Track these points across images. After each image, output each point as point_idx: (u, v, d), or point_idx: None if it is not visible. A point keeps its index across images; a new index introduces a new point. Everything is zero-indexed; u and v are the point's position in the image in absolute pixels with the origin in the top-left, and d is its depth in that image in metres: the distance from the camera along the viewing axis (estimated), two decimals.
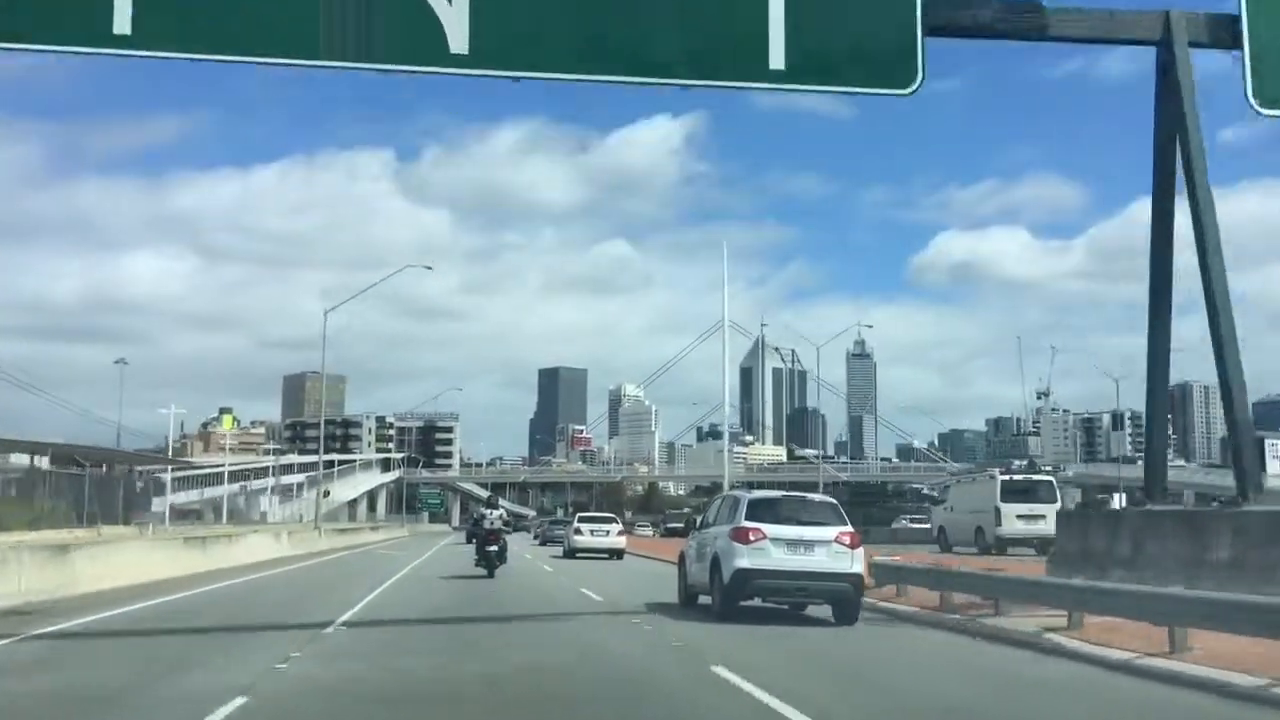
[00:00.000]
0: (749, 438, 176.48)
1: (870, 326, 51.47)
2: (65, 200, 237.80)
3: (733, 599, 12.24)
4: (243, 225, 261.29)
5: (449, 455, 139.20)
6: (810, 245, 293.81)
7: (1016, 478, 29.40)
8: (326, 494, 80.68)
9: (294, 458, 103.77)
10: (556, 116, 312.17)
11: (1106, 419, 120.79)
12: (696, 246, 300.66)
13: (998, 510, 27.33)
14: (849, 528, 12.56)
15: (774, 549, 12.00)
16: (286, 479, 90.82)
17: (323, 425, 48.17)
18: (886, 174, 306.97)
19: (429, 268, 37.95)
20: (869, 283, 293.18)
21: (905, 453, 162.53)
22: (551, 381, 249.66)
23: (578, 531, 31.27)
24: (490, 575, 18.86)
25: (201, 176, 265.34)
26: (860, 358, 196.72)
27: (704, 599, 13.46)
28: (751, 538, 12.04)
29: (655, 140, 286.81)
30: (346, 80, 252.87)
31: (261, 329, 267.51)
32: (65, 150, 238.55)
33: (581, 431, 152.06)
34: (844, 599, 12.17)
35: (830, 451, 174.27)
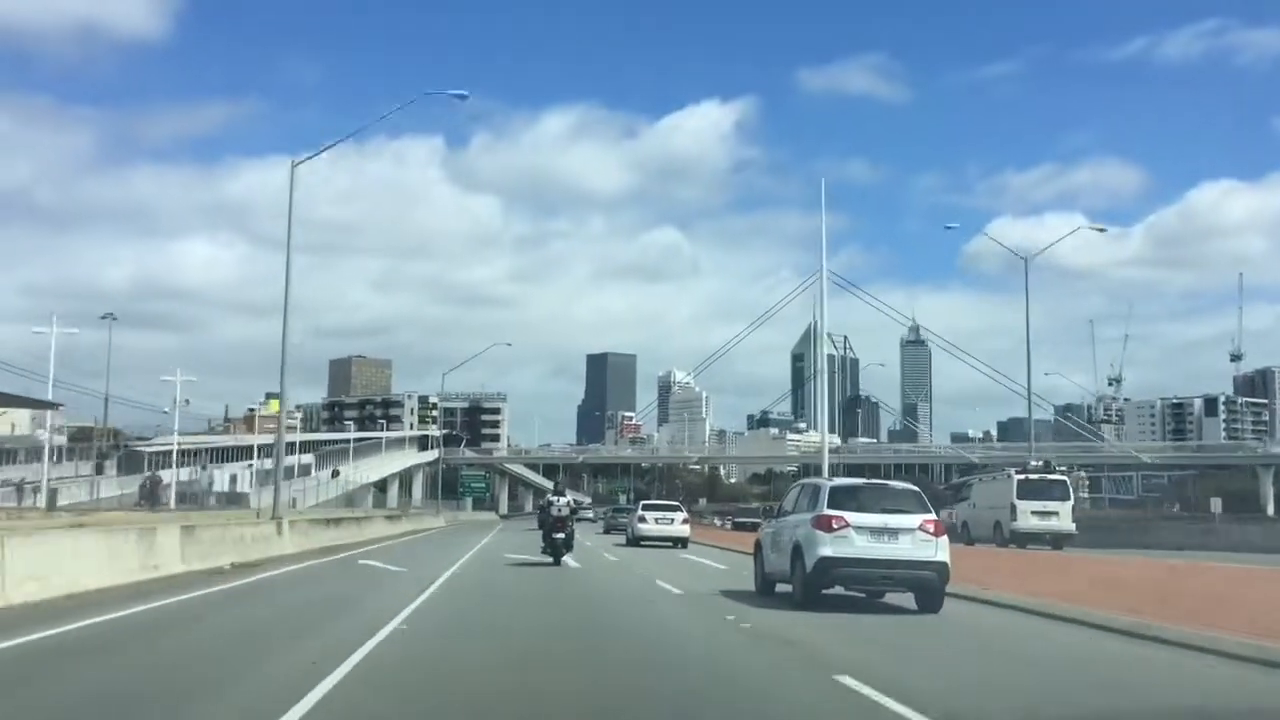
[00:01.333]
0: (802, 425, 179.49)
1: (1103, 229, 49.06)
2: (117, 187, 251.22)
3: (815, 587, 12.74)
4: (293, 213, 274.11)
5: (496, 439, 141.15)
6: (862, 232, 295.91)
7: (1032, 477, 32.17)
8: (335, 474, 73.44)
9: (296, 434, 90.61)
10: (605, 102, 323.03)
11: (1198, 404, 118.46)
12: (746, 234, 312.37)
13: (1013, 507, 30.18)
14: (933, 515, 13.04)
15: (858, 537, 12.49)
16: (295, 459, 78.54)
17: (284, 357, 25.40)
18: (940, 159, 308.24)
19: (464, 96, 30.92)
20: (921, 270, 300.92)
21: (959, 440, 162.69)
22: (600, 368, 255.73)
23: (641, 519, 32.99)
24: (556, 563, 19.87)
25: (252, 164, 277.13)
26: (914, 344, 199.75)
27: (782, 587, 14.05)
28: (835, 525, 12.53)
29: (705, 126, 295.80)
30: (395, 66, 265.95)
31: (312, 316, 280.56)
32: (117, 137, 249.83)
33: (631, 419, 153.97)
34: (929, 587, 12.63)
35: (885, 439, 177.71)
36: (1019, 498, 30.01)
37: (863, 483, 14.02)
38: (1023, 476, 32.16)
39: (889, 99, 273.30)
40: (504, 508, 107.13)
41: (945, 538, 12.92)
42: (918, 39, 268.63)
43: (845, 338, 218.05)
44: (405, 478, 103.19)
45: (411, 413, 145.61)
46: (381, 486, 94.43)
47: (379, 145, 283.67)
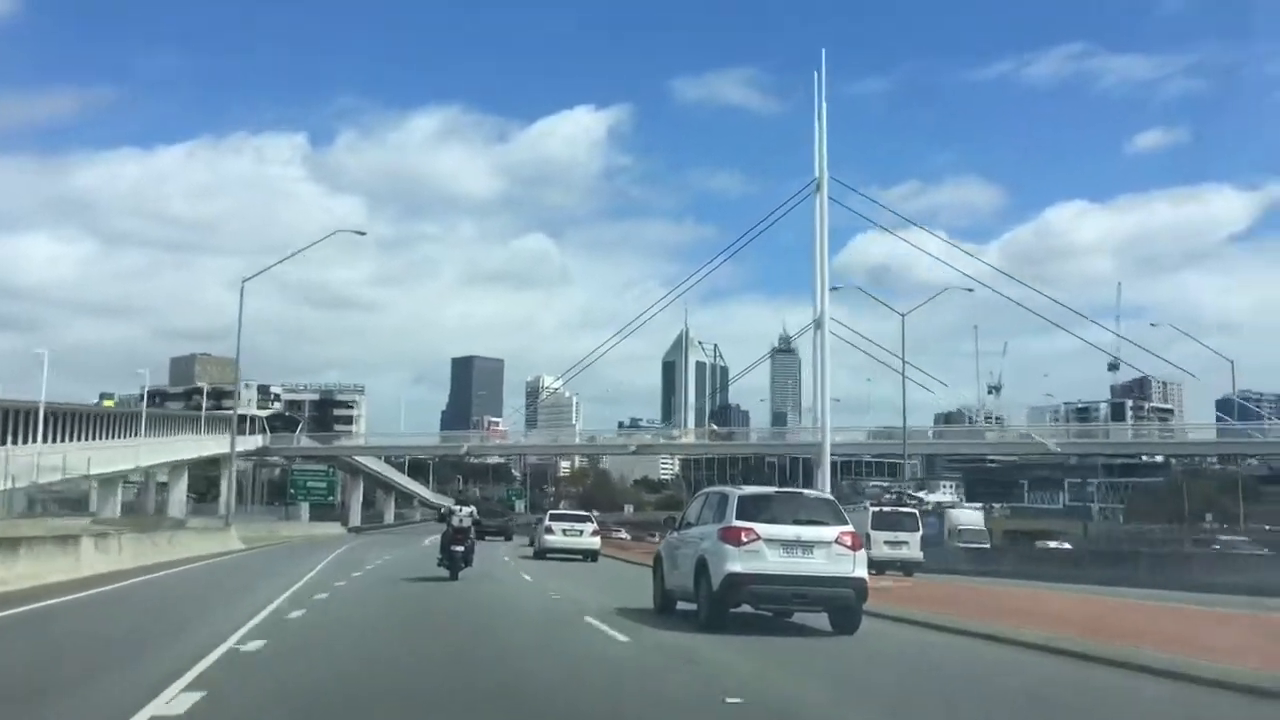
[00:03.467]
0: (675, 431, 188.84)
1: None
2: None
3: (722, 606, 12.43)
4: (145, 209, 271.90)
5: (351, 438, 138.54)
6: (729, 244, 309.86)
7: (886, 510, 38.40)
8: None
9: None
10: (477, 104, 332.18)
11: (1104, 407, 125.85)
12: (616, 243, 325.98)
13: (868, 536, 33.47)
14: (849, 527, 12.95)
15: (769, 551, 12.30)
16: None
17: None
18: (808, 173, 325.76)
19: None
20: (786, 283, 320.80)
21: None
22: (465, 371, 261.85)
23: (549, 530, 33.65)
24: (453, 577, 19.75)
25: (102, 156, 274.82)
26: (784, 353, 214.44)
27: (684, 605, 13.81)
28: (744, 538, 12.31)
29: (578, 132, 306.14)
30: (260, 60, 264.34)
31: (163, 317, 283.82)
32: None
33: (497, 424, 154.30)
34: (846, 606, 12.51)
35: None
36: (874, 528, 33.88)
37: (774, 491, 14.02)
38: (878, 509, 37.72)
39: (761, 110, 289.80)
40: (356, 517, 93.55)
41: (863, 552, 12.83)
42: (790, 53, 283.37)
43: (715, 346, 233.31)
44: (206, 475, 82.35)
45: (249, 403, 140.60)
46: (142, 486, 73.88)
47: (239, 140, 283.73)
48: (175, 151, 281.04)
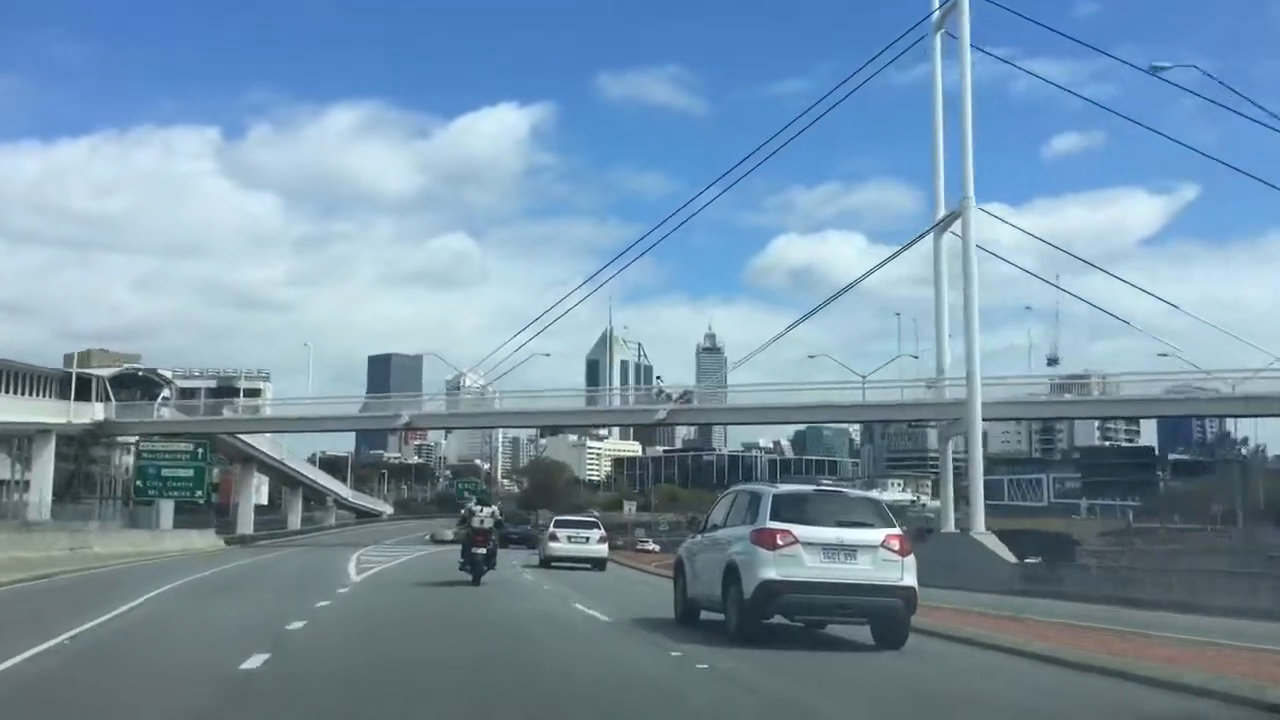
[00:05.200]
0: (603, 432, 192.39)
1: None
2: None
3: (755, 616, 11.88)
4: (45, 204, 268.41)
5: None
6: (652, 244, 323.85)
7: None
8: None
9: None
10: (396, 100, 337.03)
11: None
12: (539, 242, 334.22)
13: None
14: (897, 530, 12.35)
15: (808, 556, 11.77)
16: None
17: None
18: (731, 174, 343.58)
19: None
20: (709, 284, 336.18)
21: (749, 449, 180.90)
22: (383, 370, 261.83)
23: (554, 538, 33.65)
24: (475, 582, 20.15)
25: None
26: (711, 352, 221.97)
27: (708, 615, 13.29)
28: (780, 542, 11.77)
29: (500, 129, 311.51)
30: (169, 51, 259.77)
31: (64, 318, 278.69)
32: None
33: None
34: (893, 617, 11.95)
35: (678, 445, 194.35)
36: None
37: (812, 490, 13.11)
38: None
39: (688, 110, 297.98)
40: (249, 523, 72.88)
41: (912, 557, 12.19)
42: (714, 52, 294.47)
43: (639, 345, 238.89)
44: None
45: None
46: None
47: (146, 132, 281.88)
48: (78, 145, 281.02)
